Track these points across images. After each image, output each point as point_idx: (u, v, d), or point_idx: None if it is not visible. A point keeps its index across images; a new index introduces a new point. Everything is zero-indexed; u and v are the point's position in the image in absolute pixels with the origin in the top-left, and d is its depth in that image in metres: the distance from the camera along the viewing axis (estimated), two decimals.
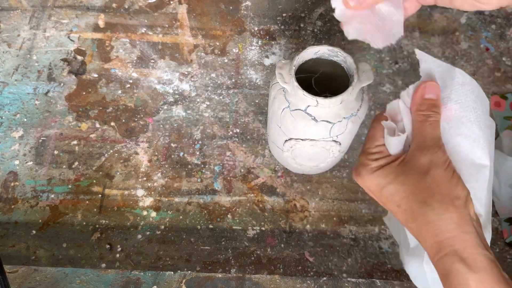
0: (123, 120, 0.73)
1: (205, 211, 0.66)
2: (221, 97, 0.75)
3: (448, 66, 0.38)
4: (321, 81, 0.60)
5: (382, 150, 0.38)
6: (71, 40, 0.80)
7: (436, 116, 0.37)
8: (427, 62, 0.39)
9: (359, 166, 0.39)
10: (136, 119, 0.73)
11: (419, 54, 0.40)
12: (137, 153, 0.70)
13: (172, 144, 0.71)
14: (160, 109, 0.74)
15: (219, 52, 0.79)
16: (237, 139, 0.72)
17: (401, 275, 0.61)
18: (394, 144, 0.37)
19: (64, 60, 0.78)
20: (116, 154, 0.70)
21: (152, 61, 0.78)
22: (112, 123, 0.73)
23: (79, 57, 0.78)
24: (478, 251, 0.33)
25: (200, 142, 0.71)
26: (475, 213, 0.35)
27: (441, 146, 0.36)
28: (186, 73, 0.77)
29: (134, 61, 0.78)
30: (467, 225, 0.33)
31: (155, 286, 0.59)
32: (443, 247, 0.33)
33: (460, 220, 0.33)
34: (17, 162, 0.69)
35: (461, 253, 0.32)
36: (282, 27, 0.81)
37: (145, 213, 0.66)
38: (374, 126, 0.40)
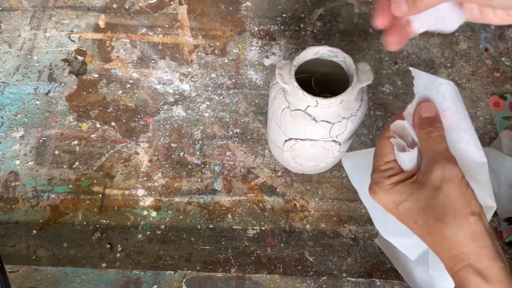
0: (124, 120, 0.73)
1: (205, 211, 0.66)
2: (221, 97, 0.75)
3: (439, 79, 0.40)
4: (321, 81, 0.60)
5: (393, 167, 0.39)
6: (72, 40, 0.80)
7: (438, 130, 0.38)
8: (421, 79, 0.40)
9: (373, 184, 0.40)
10: (136, 119, 0.73)
11: (414, 71, 0.41)
12: (137, 153, 0.71)
13: (172, 144, 0.71)
14: (161, 109, 0.74)
15: (219, 52, 0.79)
16: (237, 139, 0.72)
17: (401, 274, 0.62)
18: (406, 160, 0.38)
19: (65, 60, 0.78)
20: (117, 154, 0.70)
21: (152, 61, 0.78)
22: (113, 123, 0.73)
23: (80, 57, 0.78)
24: (494, 264, 0.33)
25: (200, 142, 0.72)
26: (489, 225, 0.36)
27: (450, 159, 0.36)
28: (186, 73, 0.77)
29: (135, 61, 0.78)
30: (482, 239, 0.34)
31: (155, 286, 0.59)
32: (459, 261, 0.34)
33: (475, 235, 0.34)
34: (17, 162, 0.69)
35: (477, 266, 0.33)
36: (282, 27, 0.81)
37: (145, 213, 0.66)
38: (381, 143, 0.41)
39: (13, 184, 0.68)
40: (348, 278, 0.61)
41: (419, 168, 0.38)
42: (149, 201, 0.67)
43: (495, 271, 0.33)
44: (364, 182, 0.44)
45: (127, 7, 0.83)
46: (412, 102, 0.41)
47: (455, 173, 0.35)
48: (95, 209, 0.66)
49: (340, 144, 0.56)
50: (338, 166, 0.69)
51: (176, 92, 0.76)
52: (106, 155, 0.70)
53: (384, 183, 0.38)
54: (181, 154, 0.71)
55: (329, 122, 0.52)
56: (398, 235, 0.45)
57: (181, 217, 0.66)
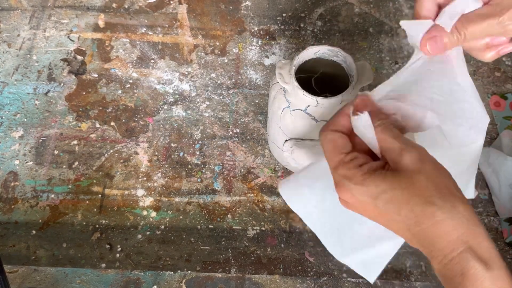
0: (123, 120, 0.73)
1: (205, 211, 0.66)
2: (221, 97, 0.75)
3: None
4: (321, 81, 0.60)
5: (357, 156, 0.35)
6: (71, 40, 0.80)
7: (384, 121, 0.36)
8: (412, 29, 0.39)
9: (342, 180, 0.35)
10: (136, 119, 0.73)
11: (404, 24, 0.40)
12: (137, 153, 0.70)
13: (172, 144, 0.71)
14: (160, 109, 0.74)
15: (219, 52, 0.79)
16: (237, 139, 0.72)
17: (401, 275, 0.61)
18: (362, 125, 0.36)
19: (64, 60, 0.78)
20: (116, 154, 0.70)
21: (152, 61, 0.78)
22: (112, 123, 0.73)
23: (79, 57, 0.78)
24: (491, 245, 0.31)
25: (200, 142, 0.71)
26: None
27: (413, 142, 0.34)
28: (186, 73, 0.77)
29: (134, 61, 0.78)
30: (474, 217, 0.32)
31: (155, 286, 0.59)
32: (457, 245, 0.31)
33: (468, 213, 0.32)
34: (17, 162, 0.69)
35: (476, 248, 0.31)
36: (282, 27, 0.81)
37: (145, 213, 0.66)
38: (329, 138, 0.37)
39: (12, 184, 0.68)
40: (349, 279, 0.60)
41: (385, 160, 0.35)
42: (148, 201, 0.67)
43: (493, 253, 0.31)
44: (305, 202, 0.40)
45: (126, 6, 0.83)
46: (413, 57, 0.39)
47: (426, 152, 0.33)
48: (95, 209, 0.66)
49: None
50: None
51: (176, 92, 0.75)
52: (106, 155, 0.70)
53: (356, 175, 0.34)
54: (181, 154, 0.71)
55: None
56: (359, 250, 0.41)
57: (181, 217, 0.66)
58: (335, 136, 0.37)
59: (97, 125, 0.72)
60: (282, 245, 0.64)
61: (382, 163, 0.35)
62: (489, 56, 0.40)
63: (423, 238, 0.33)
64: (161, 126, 0.73)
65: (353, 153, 0.36)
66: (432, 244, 0.32)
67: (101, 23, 0.81)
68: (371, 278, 0.41)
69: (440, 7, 0.39)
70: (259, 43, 0.80)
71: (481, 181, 0.67)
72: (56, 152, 0.70)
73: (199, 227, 0.65)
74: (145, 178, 0.68)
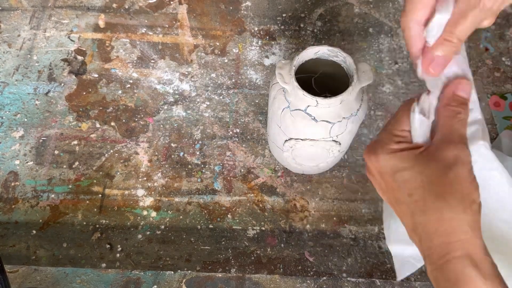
0: (123, 120, 0.73)
1: (205, 211, 0.66)
2: (221, 97, 0.75)
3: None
4: (321, 81, 0.60)
5: (407, 135, 0.36)
6: (72, 40, 0.80)
7: (465, 114, 0.35)
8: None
9: (376, 143, 0.36)
10: (136, 119, 0.73)
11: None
12: (137, 153, 0.70)
13: (172, 144, 0.71)
14: (160, 109, 0.74)
15: (219, 52, 0.79)
16: (237, 139, 0.72)
17: None
18: (417, 128, 0.35)
19: (65, 60, 0.78)
20: (116, 154, 0.70)
21: (152, 61, 0.78)
22: (113, 123, 0.73)
23: (80, 57, 0.78)
24: (487, 257, 0.31)
25: (200, 142, 0.71)
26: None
27: (467, 145, 0.34)
28: (186, 73, 0.77)
29: (134, 61, 0.78)
30: (478, 230, 0.32)
31: (155, 286, 0.59)
32: (455, 248, 0.31)
33: (475, 224, 0.32)
34: (17, 162, 0.69)
35: (474, 257, 0.31)
36: (282, 27, 0.81)
37: (145, 213, 0.66)
38: (403, 110, 0.37)
39: (12, 184, 0.68)
40: (348, 278, 0.60)
41: (428, 144, 0.35)
42: (149, 201, 0.67)
43: (490, 265, 0.31)
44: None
45: (127, 7, 0.83)
46: (442, 77, 0.38)
47: (469, 159, 0.33)
48: (95, 209, 0.66)
49: (340, 144, 0.56)
50: (338, 166, 0.69)
51: (176, 92, 0.76)
52: (106, 155, 0.70)
53: (389, 145, 0.35)
54: (181, 154, 0.71)
55: (329, 122, 0.52)
56: (400, 243, 0.41)
57: (181, 217, 0.66)
58: (407, 111, 0.37)
59: (97, 125, 0.72)
60: (282, 245, 0.64)
61: (419, 145, 0.35)
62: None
63: (424, 229, 0.33)
64: (161, 126, 0.73)
65: (405, 132, 0.36)
66: (430, 239, 0.32)
67: (101, 23, 0.82)
68: (399, 275, 0.41)
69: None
70: (259, 43, 0.80)
71: None
72: (56, 152, 0.70)
73: (199, 227, 0.65)
74: (145, 178, 0.69)
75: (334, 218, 0.66)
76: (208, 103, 0.75)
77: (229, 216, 0.66)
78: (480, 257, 0.31)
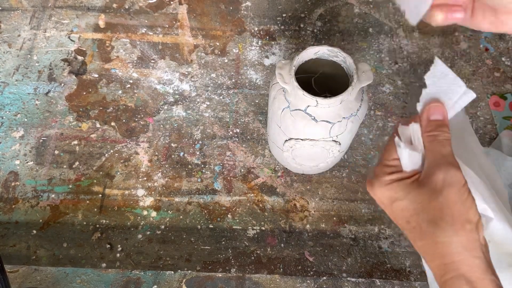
0: (124, 120, 0.73)
1: (205, 211, 0.66)
2: (221, 97, 0.75)
3: (462, 84, 0.38)
4: (321, 81, 0.60)
5: (398, 164, 0.38)
6: (72, 40, 0.80)
7: (444, 134, 0.37)
8: (440, 72, 0.38)
9: (373, 177, 0.39)
10: (136, 119, 0.73)
11: (437, 62, 0.39)
12: (137, 153, 0.71)
13: (172, 144, 0.71)
14: (161, 109, 0.74)
15: (219, 52, 0.79)
16: (237, 139, 0.72)
17: (401, 274, 0.62)
18: (407, 158, 0.37)
19: (65, 60, 0.78)
20: (117, 154, 0.70)
21: (152, 61, 0.78)
22: (113, 123, 0.73)
23: (80, 57, 0.78)
24: (485, 276, 0.33)
25: (200, 142, 0.72)
26: (484, 237, 0.35)
27: (453, 164, 0.35)
28: (186, 73, 0.77)
29: (135, 61, 0.78)
30: (475, 249, 0.33)
31: (155, 286, 0.59)
32: (450, 269, 0.33)
33: (469, 244, 0.33)
34: (17, 162, 0.69)
35: (469, 277, 0.32)
36: (282, 27, 0.81)
37: (145, 213, 0.66)
38: (391, 140, 0.39)
39: (13, 184, 0.68)
40: (348, 278, 0.61)
41: (421, 171, 0.37)
42: (149, 201, 0.67)
43: (486, 283, 0.32)
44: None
45: (127, 7, 0.83)
46: (421, 97, 0.39)
47: (458, 178, 0.34)
48: (95, 209, 0.66)
49: (340, 144, 0.56)
50: (338, 166, 0.69)
51: (176, 92, 0.76)
52: (106, 155, 0.70)
53: (383, 178, 0.37)
54: (181, 154, 0.71)
55: (329, 122, 0.52)
56: None
57: (181, 217, 0.66)
58: (392, 141, 0.39)
59: (98, 125, 0.73)
60: (282, 245, 0.64)
61: (410, 174, 0.37)
62: (437, 18, 0.38)
63: (424, 252, 0.35)
64: (161, 126, 0.73)
65: (396, 161, 0.38)
66: (431, 260, 0.34)
67: (101, 24, 0.82)
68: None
69: None
70: (259, 43, 0.80)
71: None
72: (56, 152, 0.70)
73: (199, 227, 0.65)
74: (145, 178, 0.69)
75: (334, 218, 0.66)
76: (208, 103, 0.75)
77: (229, 216, 0.66)
78: (477, 276, 0.32)
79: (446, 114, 0.38)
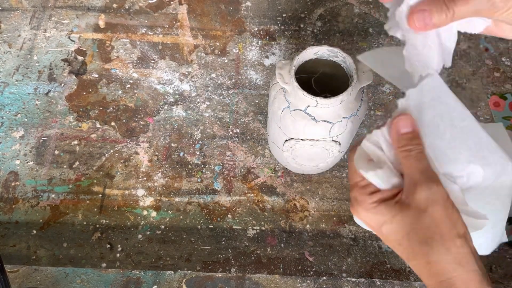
0: (124, 120, 0.73)
1: (205, 211, 0.66)
2: (221, 97, 0.75)
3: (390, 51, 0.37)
4: (321, 81, 0.60)
5: (370, 183, 0.37)
6: (72, 40, 0.80)
7: (417, 147, 0.35)
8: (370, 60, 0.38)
9: (354, 202, 0.37)
10: (136, 119, 0.73)
11: (361, 57, 0.38)
12: (137, 153, 0.71)
13: (172, 144, 0.71)
14: (161, 109, 0.74)
15: (219, 52, 0.79)
16: (237, 139, 0.72)
17: (401, 274, 0.62)
18: (377, 181, 0.36)
19: (65, 60, 0.78)
20: (117, 154, 0.70)
21: (152, 61, 0.78)
22: (113, 123, 0.73)
23: (80, 57, 0.78)
24: (481, 287, 0.33)
25: (200, 142, 0.72)
26: (473, 247, 0.35)
27: (433, 179, 0.34)
28: (186, 73, 0.77)
29: (135, 61, 0.78)
30: (469, 263, 0.33)
31: (155, 286, 0.59)
32: (446, 286, 0.33)
33: (462, 259, 0.33)
34: (17, 162, 0.69)
35: None
36: (282, 27, 0.81)
37: (145, 213, 0.66)
38: (351, 160, 0.38)
39: (13, 184, 0.68)
40: (348, 278, 0.61)
41: (400, 186, 0.36)
42: (149, 201, 0.67)
43: None
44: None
45: (127, 7, 0.83)
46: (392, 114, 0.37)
47: (440, 194, 0.34)
48: (95, 209, 0.66)
49: (340, 144, 0.56)
50: (338, 166, 0.69)
51: (176, 92, 0.76)
52: (106, 155, 0.70)
53: (366, 202, 0.36)
54: (181, 154, 0.71)
55: (329, 122, 0.52)
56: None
57: (181, 217, 0.66)
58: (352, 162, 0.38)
59: (98, 125, 0.73)
60: (282, 245, 0.64)
61: (393, 192, 0.36)
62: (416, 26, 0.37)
63: (419, 271, 0.35)
64: (161, 126, 0.73)
65: (365, 180, 0.37)
66: (426, 280, 0.34)
67: (101, 24, 0.82)
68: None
69: None
70: (259, 44, 0.80)
71: None
72: (56, 152, 0.70)
73: (199, 227, 0.65)
74: (145, 178, 0.69)
75: (334, 218, 0.66)
76: (208, 103, 0.75)
77: (229, 216, 0.66)
78: None
79: (414, 125, 0.36)
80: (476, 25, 0.37)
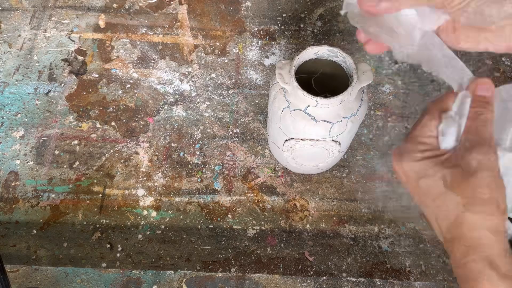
0: (124, 120, 0.73)
1: (205, 211, 0.66)
2: (221, 97, 0.75)
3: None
4: (321, 81, 0.60)
5: (433, 142, 0.36)
6: (72, 40, 0.80)
7: (487, 113, 0.35)
8: None
9: (402, 151, 0.37)
10: (136, 119, 0.73)
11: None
12: (137, 153, 0.71)
13: (172, 144, 0.71)
14: (161, 109, 0.74)
15: (219, 52, 0.79)
16: (237, 139, 0.72)
17: (401, 274, 0.62)
18: (448, 136, 0.35)
19: (65, 60, 0.78)
20: (117, 154, 0.70)
21: (152, 61, 0.78)
22: (113, 123, 0.73)
23: (80, 57, 0.78)
24: (508, 260, 0.33)
25: (200, 142, 0.72)
26: (506, 229, 0.35)
27: (492, 147, 0.34)
28: (186, 73, 0.77)
29: (135, 61, 0.78)
30: (499, 234, 0.33)
31: (155, 286, 0.59)
32: (474, 251, 0.33)
33: (497, 228, 0.33)
34: (18, 162, 0.69)
35: (493, 259, 0.32)
36: (282, 27, 0.81)
37: (145, 212, 0.66)
38: (431, 113, 0.37)
39: (13, 184, 0.68)
40: (348, 278, 0.61)
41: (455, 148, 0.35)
42: (149, 201, 0.67)
43: (509, 267, 0.32)
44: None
45: (127, 7, 0.83)
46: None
47: (494, 164, 0.33)
48: (95, 209, 0.66)
49: (340, 144, 0.56)
50: (338, 166, 0.69)
51: (176, 92, 0.76)
52: (106, 155, 0.70)
53: (414, 153, 0.35)
54: (181, 154, 0.71)
55: (329, 122, 0.52)
56: None
57: (181, 217, 0.66)
58: (435, 115, 0.37)
59: (98, 125, 0.73)
60: (282, 244, 0.64)
61: (443, 152, 0.35)
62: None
63: (446, 231, 0.34)
64: (162, 126, 0.73)
65: (431, 138, 0.36)
66: (452, 242, 0.34)
67: (101, 24, 0.82)
68: None
69: None
70: (259, 44, 0.80)
71: None
72: (56, 152, 0.70)
73: (199, 226, 0.65)
74: (145, 178, 0.69)
75: (334, 218, 0.66)
76: (208, 103, 0.75)
77: (229, 216, 0.66)
78: (502, 261, 0.32)
79: (493, 90, 0.36)
80: (433, 19, 0.37)
